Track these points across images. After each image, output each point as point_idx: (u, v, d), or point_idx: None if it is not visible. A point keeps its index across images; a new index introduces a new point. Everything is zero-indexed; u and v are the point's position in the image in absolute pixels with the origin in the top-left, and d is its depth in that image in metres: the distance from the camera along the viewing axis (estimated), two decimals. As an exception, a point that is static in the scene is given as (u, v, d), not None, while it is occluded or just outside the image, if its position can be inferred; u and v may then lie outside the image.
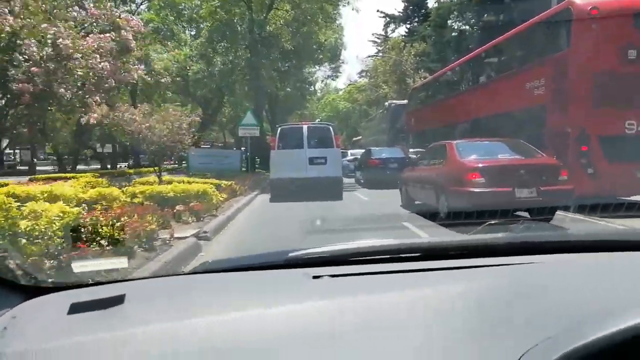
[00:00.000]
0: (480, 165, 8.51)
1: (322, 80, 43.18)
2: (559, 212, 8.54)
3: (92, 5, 18.93)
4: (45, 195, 6.07)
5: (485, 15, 30.06)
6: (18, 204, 4.30)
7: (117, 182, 12.78)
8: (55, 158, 36.50)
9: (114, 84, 10.23)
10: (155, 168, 13.00)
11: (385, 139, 30.81)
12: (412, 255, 1.46)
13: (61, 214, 4.30)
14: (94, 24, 17.55)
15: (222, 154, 19.97)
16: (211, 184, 11.34)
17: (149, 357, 0.92)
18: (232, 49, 24.79)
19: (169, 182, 10.80)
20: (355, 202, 13.57)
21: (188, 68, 26.66)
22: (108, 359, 0.92)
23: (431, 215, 8.21)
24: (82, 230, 4.27)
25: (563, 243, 1.60)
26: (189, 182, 10.86)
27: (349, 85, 63.47)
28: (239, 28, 24.20)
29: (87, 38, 14.57)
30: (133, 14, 25.03)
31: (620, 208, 7.78)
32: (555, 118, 11.68)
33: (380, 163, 18.26)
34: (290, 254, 1.43)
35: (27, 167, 33.64)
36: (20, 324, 1.09)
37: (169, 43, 28.23)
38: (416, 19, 41.90)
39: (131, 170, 21.81)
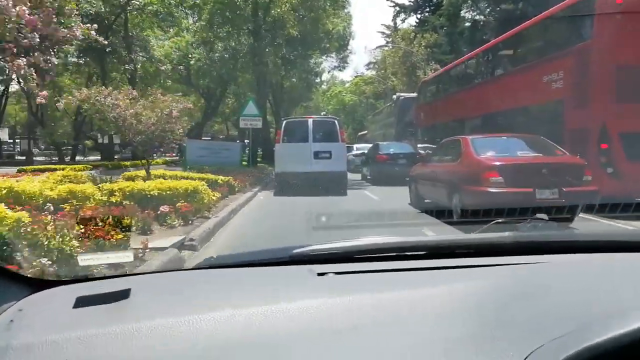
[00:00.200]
0: (498, 163, 8.00)
1: (329, 71, 42.32)
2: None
3: None
4: (4, 192, 5.31)
5: (502, 5, 29.11)
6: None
7: (109, 175, 11.95)
8: (54, 149, 35.90)
9: (37, 39, 6.83)
10: (143, 161, 11.75)
11: (393, 133, 30.56)
12: (418, 253, 1.46)
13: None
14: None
15: (221, 147, 18.89)
16: (207, 179, 10.51)
17: (155, 352, 0.92)
18: (233, 33, 23.30)
19: (163, 177, 10.01)
20: (366, 202, 12.63)
21: (190, 56, 25.51)
22: (115, 353, 0.92)
23: (439, 213, 7.97)
24: (21, 244, 3.43)
25: (570, 243, 1.60)
26: (184, 177, 10.15)
27: (356, 77, 62.78)
28: (241, 11, 22.60)
29: None
30: None
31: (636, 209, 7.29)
32: (573, 113, 11.32)
33: (389, 158, 17.80)
34: (295, 251, 1.44)
35: (30, 158, 33.21)
36: (27, 316, 1.10)
37: (170, 30, 27.39)
38: (427, 9, 40.87)
39: (127, 163, 20.90)
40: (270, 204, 11.91)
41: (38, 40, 6.92)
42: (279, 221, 8.87)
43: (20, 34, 6.86)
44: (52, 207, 5.37)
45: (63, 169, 11.34)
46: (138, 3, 25.07)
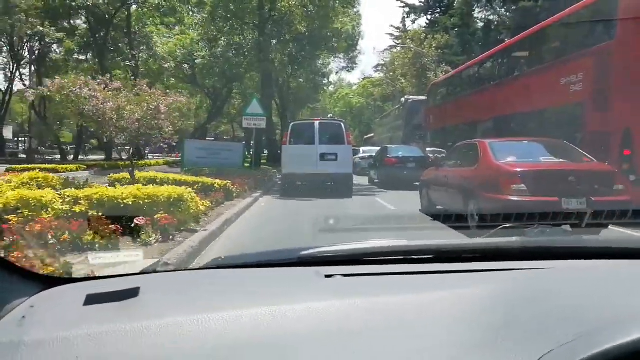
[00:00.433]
0: (520, 169, 7.44)
1: (337, 72, 41.77)
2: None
3: None
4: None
5: (517, 4, 28.41)
6: None
7: (104, 175, 11.21)
8: (61, 147, 35.41)
9: None
10: (139, 161, 10.86)
11: (400, 136, 30.46)
12: (425, 257, 1.48)
13: None
14: None
15: (222, 147, 17.96)
16: (202, 183, 9.74)
17: (164, 350, 0.93)
18: (237, 27, 22.32)
19: (154, 180, 9.09)
20: (379, 211, 11.44)
21: (195, 54, 24.78)
22: (125, 350, 0.93)
23: (446, 218, 7.72)
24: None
25: (577, 249, 1.60)
26: (177, 181, 9.25)
27: (364, 79, 62.41)
28: (246, 3, 21.58)
29: None
30: None
31: None
32: (594, 117, 10.96)
33: (398, 162, 17.37)
34: (303, 252, 1.46)
35: (34, 156, 32.84)
36: (38, 313, 1.10)
37: (176, 28, 26.79)
38: (438, 10, 40.33)
39: (127, 163, 20.15)
40: (273, 209, 10.99)
41: None
42: (281, 227, 8.20)
43: None
44: (-4, 217, 4.49)
45: (42, 170, 10.59)
46: None
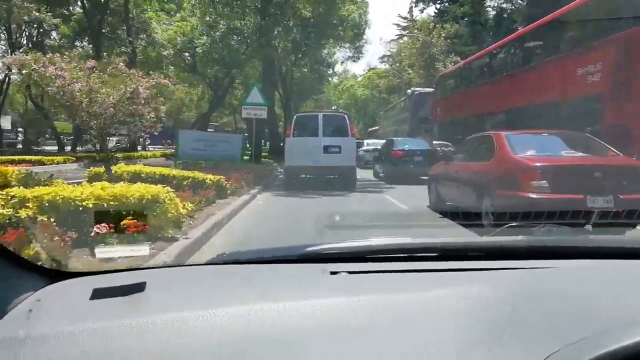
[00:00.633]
0: (541, 164, 6.83)
1: (342, 62, 41.02)
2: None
3: None
4: None
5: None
6: None
7: (95, 167, 10.23)
8: (58, 138, 34.78)
9: None
10: (134, 153, 9.80)
11: (406, 129, 30.08)
12: (430, 254, 1.47)
13: None
14: None
15: (220, 139, 16.88)
16: (193, 178, 8.78)
17: (170, 345, 0.93)
18: (238, 10, 21.07)
19: (140, 174, 8.14)
20: (386, 208, 10.36)
21: (195, 42, 23.85)
22: (130, 345, 0.93)
23: (456, 215, 7.29)
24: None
25: (585, 249, 1.58)
26: (165, 176, 8.34)
27: (369, 70, 61.65)
28: None
29: None
30: None
31: None
32: (613, 110, 10.85)
33: (404, 155, 16.77)
34: (308, 249, 1.47)
35: (31, 147, 32.23)
36: (44, 306, 1.10)
37: (177, 15, 26.01)
38: (448, -1, 39.46)
39: (119, 154, 19.00)
40: (270, 207, 10.08)
41: None
42: (281, 226, 7.55)
43: None
44: None
45: (24, 162, 9.70)
46: None
